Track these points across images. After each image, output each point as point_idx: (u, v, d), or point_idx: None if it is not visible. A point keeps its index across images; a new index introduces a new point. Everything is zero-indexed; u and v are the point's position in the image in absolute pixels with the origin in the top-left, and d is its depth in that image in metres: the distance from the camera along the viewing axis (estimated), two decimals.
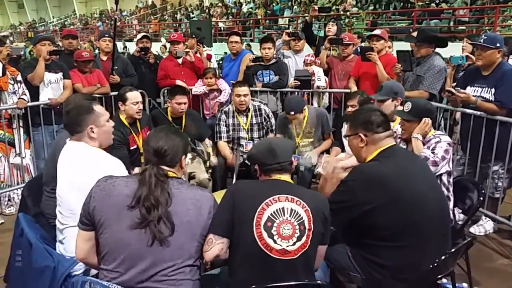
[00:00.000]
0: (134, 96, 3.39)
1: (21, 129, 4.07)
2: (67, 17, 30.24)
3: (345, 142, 3.65)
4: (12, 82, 4.01)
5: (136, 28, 21.71)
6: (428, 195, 1.92)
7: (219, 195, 1.79)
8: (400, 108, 3.03)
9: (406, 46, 5.01)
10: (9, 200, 4.13)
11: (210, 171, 3.96)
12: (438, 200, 1.99)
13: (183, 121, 3.92)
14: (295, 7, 16.96)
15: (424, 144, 2.66)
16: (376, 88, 4.14)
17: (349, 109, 3.61)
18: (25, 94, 4.01)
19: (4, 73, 3.83)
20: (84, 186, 1.73)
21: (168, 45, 13.65)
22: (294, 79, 4.66)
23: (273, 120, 4.16)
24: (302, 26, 6.61)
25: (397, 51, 4.26)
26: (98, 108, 2.09)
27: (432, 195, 1.95)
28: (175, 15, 22.00)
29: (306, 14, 15.88)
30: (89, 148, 2.02)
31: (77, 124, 2.01)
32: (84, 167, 1.93)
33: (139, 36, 5.50)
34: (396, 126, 2.93)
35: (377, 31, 4.57)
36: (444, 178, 2.58)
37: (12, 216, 3.84)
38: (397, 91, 3.15)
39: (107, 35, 5.03)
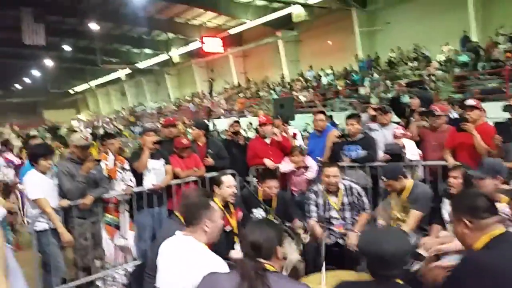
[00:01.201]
0: (228, 180, 3.57)
1: (127, 213, 4.43)
2: (162, 101, 33.49)
3: (445, 215, 3.41)
4: (120, 170, 4.46)
5: (223, 107, 23.22)
6: None
7: (312, 280, 1.78)
8: (505, 187, 2.81)
9: (497, 106, 4.74)
10: (113, 280, 4.40)
11: (302, 249, 3.90)
12: None
13: (274, 202, 3.99)
14: (375, 74, 17.02)
15: None
16: (474, 159, 3.92)
17: (451, 180, 3.40)
18: (132, 181, 4.41)
19: (114, 164, 4.29)
20: (189, 283, 1.81)
21: (253, 122, 14.32)
22: (384, 153, 4.57)
23: (365, 199, 4.04)
24: (389, 99, 6.59)
25: (495, 123, 4.05)
26: (214, 204, 2.26)
27: None
28: (258, 92, 23.26)
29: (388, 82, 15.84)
30: (197, 244, 2.13)
31: (195, 217, 2.17)
32: (191, 265, 2.03)
33: (230, 120, 5.90)
34: (502, 207, 2.69)
35: (470, 102, 4.38)
36: None
37: None
38: (499, 170, 2.96)
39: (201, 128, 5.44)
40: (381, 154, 4.70)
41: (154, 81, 35.11)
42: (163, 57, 28.27)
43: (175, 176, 4.70)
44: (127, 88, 38.10)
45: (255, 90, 24.14)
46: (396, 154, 4.49)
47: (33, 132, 15.44)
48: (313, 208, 4.04)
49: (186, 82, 31.55)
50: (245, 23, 21.70)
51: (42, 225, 3.73)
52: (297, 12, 18.88)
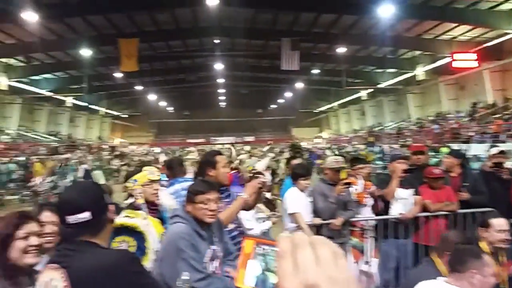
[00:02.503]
0: (500, 223, 3.09)
1: (372, 239, 4.45)
2: (402, 121, 32.45)
3: None
4: (368, 196, 4.53)
5: (473, 129, 20.75)
6: None
7: None
8: None
9: None
10: None
11: None
12: None
13: None
14: None
15: None
16: None
17: None
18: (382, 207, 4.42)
19: (363, 189, 4.38)
20: None
21: None
22: None
23: None
24: None
25: None
26: (486, 256, 2.03)
27: None
28: None
29: None
30: None
31: (460, 263, 2.00)
32: None
33: (493, 150, 5.19)
34: None
35: None
36: None
37: None
38: None
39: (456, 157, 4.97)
40: None
41: (395, 101, 34.41)
42: (406, 75, 27.46)
43: (424, 208, 4.44)
44: (367, 108, 38.61)
45: None
46: None
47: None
48: None
49: (430, 101, 29.64)
50: (508, 33, 18.84)
51: None
52: None
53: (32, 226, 1.82)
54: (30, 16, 14.67)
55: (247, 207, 3.29)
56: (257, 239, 0.49)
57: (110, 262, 1.51)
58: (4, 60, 21.41)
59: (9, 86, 22.40)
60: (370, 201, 4.61)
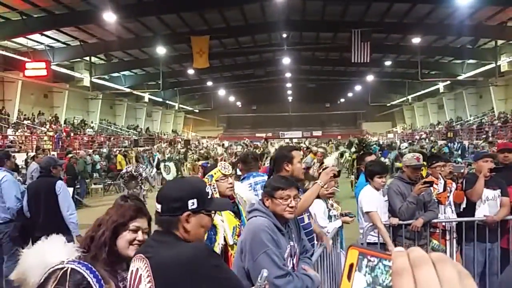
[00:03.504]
0: None
1: (454, 242, 4.19)
2: (484, 114, 30.16)
3: None
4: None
5: None
6: None
7: None
8: None
9: None
10: None
11: None
12: None
13: None
14: None
15: None
16: None
17: None
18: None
19: (444, 189, 4.13)
20: None
21: None
22: None
23: None
24: None
25: None
26: None
27: None
28: None
29: None
30: None
31: None
32: None
33: None
34: None
35: None
36: None
37: None
38: None
39: None
40: None
41: (476, 93, 32.05)
42: (488, 67, 25.40)
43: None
44: (446, 101, 36.31)
45: None
46: None
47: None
48: None
49: None
50: None
51: (373, 238, 4.01)
52: None
53: (143, 222, 1.94)
54: (109, 17, 15.63)
55: (322, 196, 3.24)
56: (362, 250, 0.47)
57: (190, 254, 1.54)
58: (87, 58, 23.08)
59: (92, 82, 24.11)
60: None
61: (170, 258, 1.53)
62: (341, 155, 17.70)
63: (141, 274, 1.53)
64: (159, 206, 1.64)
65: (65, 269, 1.25)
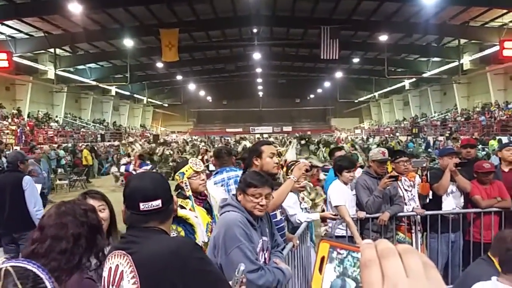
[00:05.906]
0: None
1: (419, 234, 4.33)
2: (448, 111, 31.21)
3: None
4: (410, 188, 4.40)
5: None
6: None
7: None
8: None
9: None
10: None
11: None
12: None
13: None
14: None
15: None
16: None
17: None
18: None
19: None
20: None
21: None
22: None
23: None
24: None
25: None
26: None
27: None
28: None
29: None
30: None
31: None
32: None
33: None
34: None
35: None
36: None
37: None
38: None
39: (511, 145, 4.76)
40: None
41: (440, 90, 33.14)
42: (451, 65, 26.29)
43: (475, 204, 4.27)
44: (411, 98, 37.37)
45: None
46: None
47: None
48: None
49: (477, 92, 28.32)
50: None
51: (341, 231, 4.09)
52: None
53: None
54: (74, 7, 15.12)
55: (293, 189, 3.27)
56: (332, 243, 0.48)
57: (174, 248, 1.53)
58: (51, 50, 22.28)
59: (56, 75, 23.32)
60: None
61: (153, 252, 1.52)
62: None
63: (122, 271, 1.51)
64: (158, 202, 1.61)
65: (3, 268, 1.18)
